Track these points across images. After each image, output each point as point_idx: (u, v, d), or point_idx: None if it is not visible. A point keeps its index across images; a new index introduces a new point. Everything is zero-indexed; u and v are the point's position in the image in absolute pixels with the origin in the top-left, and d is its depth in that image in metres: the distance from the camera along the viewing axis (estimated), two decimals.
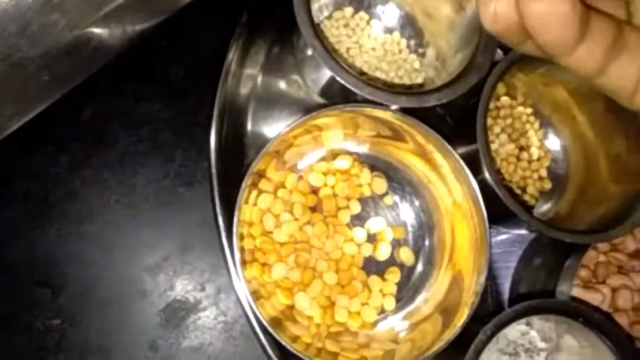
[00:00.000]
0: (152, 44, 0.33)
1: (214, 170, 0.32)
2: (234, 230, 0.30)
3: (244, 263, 0.31)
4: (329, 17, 0.38)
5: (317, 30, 0.29)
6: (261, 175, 0.34)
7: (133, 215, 0.33)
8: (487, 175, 0.31)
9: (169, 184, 0.34)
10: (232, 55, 0.35)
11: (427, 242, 0.36)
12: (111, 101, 0.34)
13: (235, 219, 0.30)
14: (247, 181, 0.31)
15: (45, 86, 0.26)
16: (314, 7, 0.37)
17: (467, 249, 0.33)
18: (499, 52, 0.35)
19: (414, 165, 0.35)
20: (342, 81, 0.28)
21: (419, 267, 0.36)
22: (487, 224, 0.31)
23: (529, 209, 0.38)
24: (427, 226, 0.36)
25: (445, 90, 0.30)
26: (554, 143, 0.40)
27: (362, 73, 0.37)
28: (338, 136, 0.36)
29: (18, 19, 0.20)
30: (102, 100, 0.34)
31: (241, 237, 0.32)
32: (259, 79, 0.38)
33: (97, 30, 0.25)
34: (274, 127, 0.37)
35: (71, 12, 0.22)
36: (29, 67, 0.23)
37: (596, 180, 0.37)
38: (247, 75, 0.37)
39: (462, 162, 0.32)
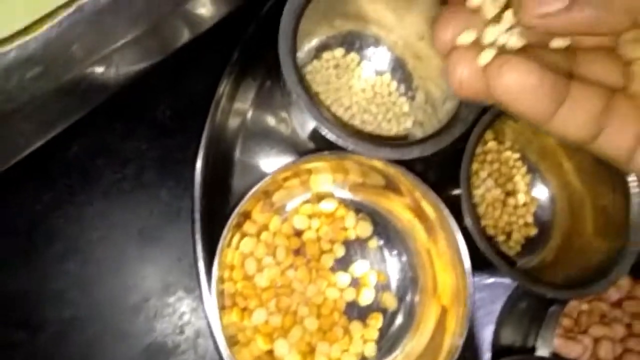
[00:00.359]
0: (140, 82, 0.33)
1: (197, 208, 0.32)
2: (214, 274, 0.30)
3: (223, 308, 0.31)
4: (319, 58, 0.38)
5: (302, 79, 0.29)
6: (246, 216, 0.34)
7: (115, 254, 0.33)
8: (469, 226, 0.31)
9: (153, 222, 0.34)
10: (223, 90, 0.35)
11: (410, 289, 0.36)
12: (98, 138, 0.34)
13: (215, 264, 0.30)
14: (231, 223, 0.31)
15: (29, 132, 0.26)
16: (305, 48, 0.38)
17: (450, 298, 0.33)
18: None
19: (399, 211, 0.35)
20: (325, 131, 0.28)
21: (402, 313, 0.36)
22: (469, 275, 0.31)
23: (509, 259, 0.38)
24: (410, 272, 0.36)
25: (429, 142, 0.30)
26: (540, 189, 0.40)
27: (351, 115, 0.37)
28: (326, 180, 0.36)
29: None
30: (89, 137, 0.34)
31: (222, 281, 0.32)
32: (248, 115, 0.38)
33: (86, 75, 0.26)
34: (261, 166, 0.37)
35: (55, 64, 0.22)
36: (12, 118, 0.23)
37: (581, 230, 0.37)
38: (236, 111, 0.37)
39: (447, 212, 0.32)
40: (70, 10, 0.20)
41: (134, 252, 0.34)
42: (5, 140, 0.24)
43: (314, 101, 0.29)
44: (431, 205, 0.32)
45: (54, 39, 0.20)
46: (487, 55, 0.17)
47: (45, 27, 0.20)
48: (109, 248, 0.33)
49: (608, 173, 0.35)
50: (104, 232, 0.33)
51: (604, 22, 0.16)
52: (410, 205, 0.34)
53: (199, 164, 0.33)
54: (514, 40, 0.17)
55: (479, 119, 0.31)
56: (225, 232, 0.30)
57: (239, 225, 0.33)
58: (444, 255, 0.33)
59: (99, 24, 0.22)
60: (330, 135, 0.28)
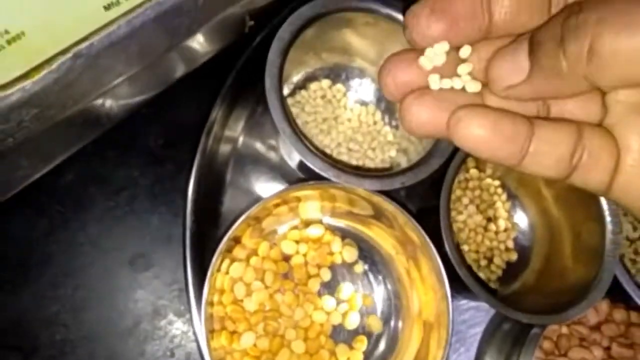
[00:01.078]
0: (133, 112, 0.35)
1: (188, 234, 0.33)
2: (204, 299, 0.31)
3: (212, 331, 0.32)
4: (307, 89, 0.39)
5: (288, 114, 0.30)
6: (236, 241, 0.35)
7: (107, 279, 0.34)
8: (449, 254, 0.32)
9: (144, 248, 0.35)
10: (214, 117, 0.36)
11: (394, 312, 0.37)
12: (91, 166, 0.35)
13: (205, 289, 0.31)
14: (222, 248, 0.32)
15: (27, 167, 0.27)
16: (294, 79, 0.39)
17: (432, 322, 0.34)
18: None
19: (384, 237, 0.37)
20: (309, 164, 0.30)
21: (386, 337, 0.37)
22: (449, 301, 0.32)
23: (487, 286, 0.39)
24: (395, 297, 0.37)
25: (409, 173, 0.31)
26: (520, 216, 0.41)
27: (338, 143, 0.39)
28: (314, 207, 0.37)
29: None
30: (82, 165, 0.35)
31: (211, 305, 0.33)
32: (239, 143, 0.39)
33: (84, 111, 0.27)
34: (252, 192, 0.39)
35: (53, 105, 0.24)
36: (10, 154, 0.24)
37: (560, 255, 0.38)
38: (226, 138, 0.39)
39: (427, 239, 0.33)
40: (68, 55, 0.22)
41: (125, 277, 0.35)
42: (3, 175, 0.25)
43: (298, 136, 0.30)
44: (413, 232, 0.34)
45: (52, 82, 0.21)
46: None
47: (44, 72, 0.21)
48: (101, 273, 0.34)
49: (584, 201, 0.36)
50: (97, 257, 0.34)
51: (566, 89, 0.16)
52: (393, 232, 0.35)
53: (190, 191, 0.34)
54: (472, 87, 0.18)
55: (456, 151, 0.33)
56: (216, 258, 0.31)
57: (229, 250, 0.34)
58: (427, 280, 0.34)
59: (95, 67, 0.23)
60: (316, 166, 0.30)
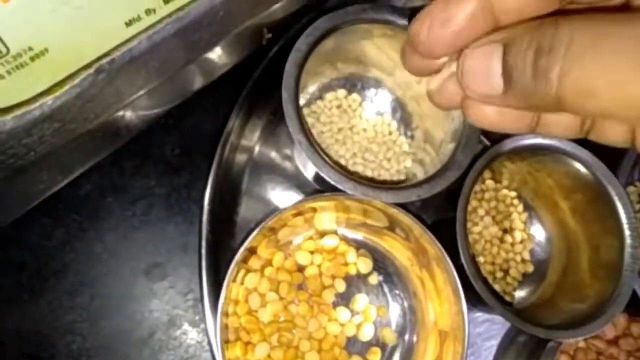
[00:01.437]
0: (152, 123, 0.35)
1: (204, 244, 0.33)
2: (219, 309, 0.31)
3: (227, 341, 0.32)
4: (323, 99, 0.39)
5: (304, 126, 0.30)
6: (252, 252, 0.35)
7: (123, 288, 0.34)
8: (465, 267, 0.32)
9: (160, 258, 0.35)
10: (231, 127, 0.36)
11: (409, 324, 0.37)
12: (108, 176, 0.35)
13: (221, 299, 0.31)
14: (238, 258, 0.32)
15: (48, 179, 0.27)
16: (310, 89, 0.39)
17: (447, 334, 0.34)
18: (486, 141, 0.36)
19: (399, 249, 0.37)
20: (325, 176, 0.30)
21: (400, 349, 0.36)
22: (465, 313, 0.32)
23: (503, 299, 0.38)
24: (410, 308, 0.37)
25: (425, 186, 0.31)
26: (537, 227, 0.41)
27: (353, 153, 0.39)
28: (330, 219, 0.37)
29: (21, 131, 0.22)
30: (99, 175, 0.35)
31: (226, 315, 0.33)
32: (255, 152, 0.39)
33: (105, 123, 0.27)
34: (267, 202, 0.39)
35: (74, 120, 0.24)
36: (32, 168, 0.24)
37: (577, 269, 0.38)
38: (243, 148, 0.39)
39: (443, 251, 0.33)
40: (90, 71, 0.22)
41: (141, 286, 0.35)
42: (25, 187, 0.25)
43: (314, 147, 0.30)
44: (428, 244, 0.33)
45: (74, 97, 0.22)
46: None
47: (66, 87, 0.21)
48: (117, 282, 0.34)
49: (602, 214, 0.36)
50: (113, 267, 0.35)
51: (543, 109, 0.17)
52: (408, 244, 0.35)
53: (206, 200, 0.34)
54: None
55: (473, 163, 0.33)
56: (232, 269, 0.32)
57: (244, 261, 0.34)
58: (442, 293, 0.34)
59: (116, 81, 0.23)
60: (331, 179, 0.30)
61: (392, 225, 0.35)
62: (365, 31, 0.35)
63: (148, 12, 0.23)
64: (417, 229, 0.33)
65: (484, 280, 0.34)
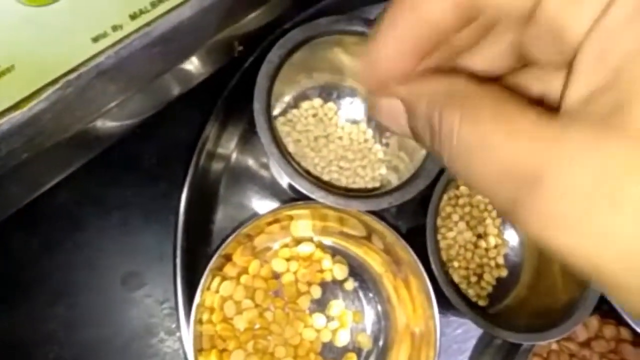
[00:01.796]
0: (127, 132, 0.35)
1: (178, 253, 0.34)
2: (192, 317, 0.31)
3: (201, 350, 0.32)
4: (299, 107, 0.40)
5: (276, 137, 0.31)
6: (228, 259, 0.35)
7: (101, 298, 0.35)
8: (436, 274, 0.32)
9: (137, 267, 0.35)
10: (207, 136, 0.37)
11: (384, 330, 0.37)
12: (85, 186, 0.36)
13: (194, 307, 0.32)
14: (211, 266, 0.32)
15: (19, 192, 0.28)
16: (285, 98, 0.40)
17: (420, 340, 0.35)
18: None
19: (373, 255, 0.37)
20: (296, 185, 0.30)
21: (375, 354, 0.37)
22: (437, 320, 0.33)
23: (474, 304, 0.39)
24: (384, 314, 0.38)
25: (395, 194, 0.32)
26: (510, 232, 0.42)
27: (329, 161, 0.39)
28: (306, 226, 0.37)
29: None
30: (77, 185, 0.35)
31: (201, 323, 0.33)
32: (232, 160, 0.40)
33: (76, 135, 0.27)
34: (244, 210, 0.39)
35: (44, 133, 0.24)
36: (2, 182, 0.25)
37: (548, 272, 0.39)
38: (219, 156, 0.39)
39: (415, 258, 0.34)
40: (57, 86, 0.22)
41: (118, 295, 0.35)
42: None
43: (286, 158, 0.31)
44: (402, 251, 0.34)
45: (41, 112, 0.22)
46: None
47: (33, 102, 0.22)
48: (95, 292, 0.35)
49: None
50: (90, 276, 0.35)
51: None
52: (382, 251, 0.36)
53: (181, 210, 0.34)
54: None
55: (443, 171, 0.33)
56: (205, 277, 0.32)
57: (219, 268, 0.34)
58: (416, 299, 0.35)
59: (85, 96, 0.24)
60: (303, 188, 0.30)
61: (369, 235, 0.36)
62: (338, 41, 0.35)
63: (115, 28, 0.23)
64: (390, 236, 0.34)
65: (455, 286, 0.35)
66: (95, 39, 0.23)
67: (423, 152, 0.35)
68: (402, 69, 0.15)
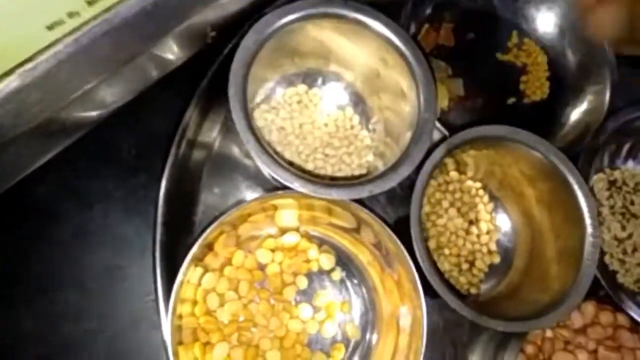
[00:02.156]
0: (105, 123, 0.34)
1: (157, 246, 0.33)
2: (170, 310, 0.30)
3: (180, 343, 0.32)
4: (282, 94, 0.39)
5: (252, 124, 0.30)
6: (210, 248, 0.34)
7: (83, 292, 0.34)
8: (421, 264, 0.31)
9: (120, 260, 0.35)
10: (187, 121, 0.36)
11: (372, 319, 0.37)
12: (66, 180, 0.35)
13: (172, 300, 0.31)
14: (191, 257, 0.31)
15: None
16: (268, 85, 0.39)
17: (409, 329, 0.34)
18: (444, 130, 0.36)
19: (361, 245, 0.36)
20: (274, 175, 0.29)
21: (363, 344, 0.36)
22: (423, 310, 0.32)
23: (460, 294, 0.38)
24: (372, 304, 0.37)
25: (377, 181, 0.31)
26: (502, 218, 0.41)
27: (314, 148, 0.38)
28: (292, 216, 0.36)
29: None
30: (57, 179, 0.35)
31: (181, 317, 0.32)
32: (214, 149, 0.39)
33: (51, 120, 0.27)
34: (227, 200, 0.38)
35: (10, 117, 0.24)
36: None
37: (541, 259, 0.38)
38: (201, 144, 0.38)
39: (402, 247, 0.33)
40: (12, 77, 0.21)
41: (101, 290, 0.35)
42: None
43: (263, 146, 0.30)
44: (389, 240, 0.33)
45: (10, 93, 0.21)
46: None
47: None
48: (77, 287, 0.34)
49: (564, 203, 0.35)
50: (73, 271, 0.34)
51: None
52: (370, 240, 0.35)
53: (160, 201, 0.34)
54: None
55: (427, 157, 0.32)
56: (184, 267, 0.31)
57: (201, 259, 0.34)
58: (403, 288, 0.34)
59: (45, 85, 0.23)
60: (280, 177, 0.29)
61: (359, 226, 0.35)
62: (319, 25, 0.34)
63: (71, 15, 0.22)
64: (376, 225, 0.33)
65: (441, 275, 0.34)
66: (51, 27, 0.22)
67: (408, 135, 0.34)
68: None
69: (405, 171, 0.31)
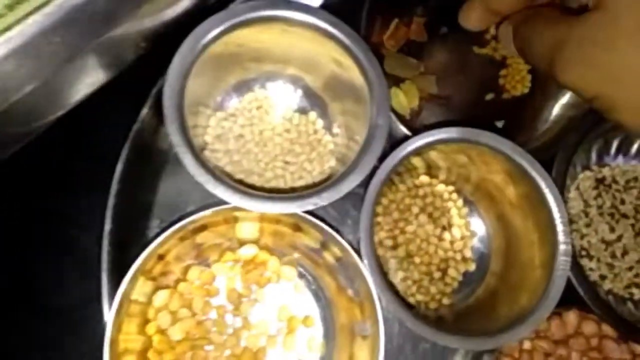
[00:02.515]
0: (53, 137, 0.33)
1: (104, 266, 0.32)
2: (108, 331, 0.29)
3: None
4: (240, 100, 0.37)
5: (187, 135, 0.29)
6: (162, 259, 0.33)
7: (28, 312, 0.33)
8: (370, 280, 0.30)
9: (67, 280, 0.34)
10: (141, 126, 0.34)
11: (332, 332, 0.35)
12: (14, 197, 0.34)
13: (110, 319, 0.29)
14: (137, 265, 0.30)
15: None
16: (221, 92, 0.37)
17: (367, 341, 0.32)
18: (405, 130, 0.34)
19: (319, 258, 0.35)
20: (210, 189, 0.28)
21: (325, 358, 0.35)
22: (380, 322, 0.30)
23: (411, 306, 0.36)
24: (334, 316, 0.35)
25: (324, 194, 0.29)
26: (477, 222, 0.38)
27: (274, 156, 0.37)
28: (252, 229, 0.35)
29: None
30: (5, 196, 0.34)
31: (127, 336, 0.31)
32: (171, 154, 0.37)
33: None
34: (183, 210, 0.37)
35: None
36: None
37: (516, 265, 0.35)
38: (158, 150, 0.37)
39: (357, 259, 0.31)
40: None
41: (58, 319, 0.34)
42: None
43: (198, 159, 0.28)
44: (342, 252, 0.31)
45: None
46: None
47: None
48: (24, 308, 0.34)
49: (536, 207, 0.33)
50: (23, 291, 0.34)
51: None
52: (333, 257, 0.33)
53: (107, 221, 0.33)
54: None
55: (378, 167, 0.30)
56: (127, 280, 0.30)
57: (153, 275, 0.32)
58: (363, 305, 0.32)
59: None
60: (216, 192, 0.28)
61: (311, 233, 0.33)
62: (266, 28, 0.32)
63: None
64: (333, 238, 0.31)
65: (395, 292, 0.32)
66: None
67: (362, 138, 0.32)
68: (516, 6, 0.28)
69: (354, 180, 0.29)
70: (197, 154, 0.28)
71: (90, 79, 0.29)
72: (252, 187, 0.31)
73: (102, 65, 0.28)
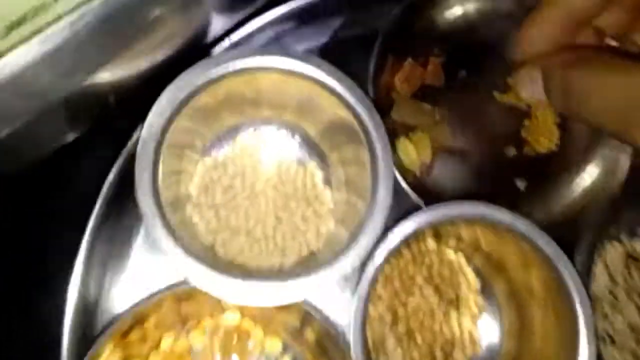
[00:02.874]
0: (34, 175, 0.30)
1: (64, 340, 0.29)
2: None
3: None
4: (232, 148, 0.34)
5: (162, 210, 0.25)
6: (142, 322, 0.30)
7: None
8: None
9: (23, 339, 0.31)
10: (109, 189, 0.31)
11: None
12: None
13: None
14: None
15: None
16: (209, 138, 0.33)
17: None
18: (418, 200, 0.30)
19: (301, 336, 0.31)
20: (182, 271, 0.24)
21: None
22: None
23: None
24: None
25: (311, 280, 0.25)
26: (489, 299, 0.34)
27: (265, 212, 0.33)
28: None
29: None
30: None
31: None
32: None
33: None
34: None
35: None
36: None
37: (531, 352, 0.31)
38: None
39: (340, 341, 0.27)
40: None
41: None
42: None
43: (172, 234, 0.25)
44: (332, 342, 0.28)
45: None
46: None
47: None
48: None
49: (554, 298, 0.29)
50: None
51: None
52: (313, 337, 0.30)
53: (70, 288, 0.29)
54: None
55: (378, 243, 0.27)
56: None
57: (123, 346, 0.29)
58: None
59: None
60: (185, 274, 0.24)
61: (303, 322, 0.30)
62: (262, 75, 0.29)
63: None
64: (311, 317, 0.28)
65: None
66: None
67: (364, 196, 0.28)
68: (547, 46, 0.23)
69: (348, 265, 0.26)
70: (174, 232, 0.25)
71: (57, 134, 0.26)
72: (231, 262, 0.28)
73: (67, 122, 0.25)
